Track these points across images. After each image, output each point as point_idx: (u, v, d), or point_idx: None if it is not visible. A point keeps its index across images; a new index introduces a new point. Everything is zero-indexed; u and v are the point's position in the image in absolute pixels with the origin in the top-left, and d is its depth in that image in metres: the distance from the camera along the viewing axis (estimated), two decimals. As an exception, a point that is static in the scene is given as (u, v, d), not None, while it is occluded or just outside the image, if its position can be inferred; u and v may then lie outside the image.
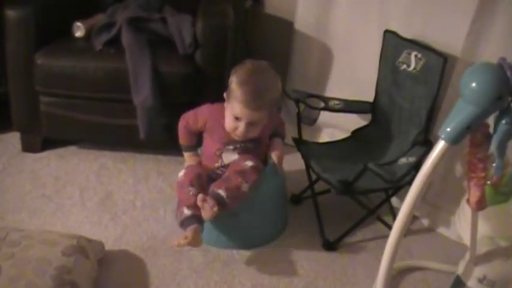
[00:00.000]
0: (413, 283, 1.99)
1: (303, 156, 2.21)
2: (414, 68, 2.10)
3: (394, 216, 2.24)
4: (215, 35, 2.30)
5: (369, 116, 2.38)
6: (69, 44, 2.42)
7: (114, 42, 2.37)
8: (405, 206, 1.33)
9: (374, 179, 2.01)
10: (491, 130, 1.26)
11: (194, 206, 1.91)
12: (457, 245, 2.16)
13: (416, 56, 2.09)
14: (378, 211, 2.22)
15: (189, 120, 2.09)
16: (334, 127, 2.58)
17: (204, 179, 2.01)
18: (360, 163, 2.06)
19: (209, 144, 2.09)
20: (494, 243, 1.46)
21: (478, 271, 1.44)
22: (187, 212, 1.94)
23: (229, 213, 1.95)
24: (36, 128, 2.48)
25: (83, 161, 2.54)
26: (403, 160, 2.01)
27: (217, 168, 2.08)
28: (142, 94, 2.27)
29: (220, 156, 2.06)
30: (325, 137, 2.63)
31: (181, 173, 2.04)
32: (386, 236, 2.12)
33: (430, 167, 1.22)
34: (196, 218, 1.92)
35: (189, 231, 1.88)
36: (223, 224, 2.05)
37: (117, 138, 2.53)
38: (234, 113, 1.91)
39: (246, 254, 2.08)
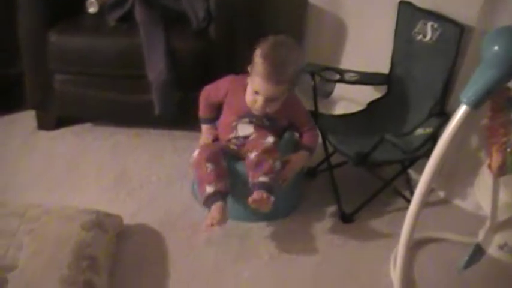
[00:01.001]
0: (429, 254, 1.98)
1: (320, 129, 2.20)
2: (430, 38, 2.07)
3: (411, 188, 2.27)
4: (229, 9, 2.29)
5: (383, 89, 2.37)
6: (82, 20, 2.42)
7: (128, 18, 2.36)
8: (426, 174, 1.32)
9: (390, 150, 2.01)
10: (512, 94, 1.24)
11: (215, 182, 1.93)
12: (473, 216, 2.16)
13: (432, 26, 2.06)
14: (395, 183, 2.22)
15: (210, 92, 2.11)
16: (349, 100, 2.56)
17: (219, 156, 2.01)
18: (376, 135, 2.06)
19: (227, 115, 2.10)
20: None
21: (499, 238, 1.44)
22: (209, 189, 1.94)
23: (246, 187, 1.95)
24: (51, 106, 2.48)
25: (98, 139, 2.54)
26: (419, 131, 2.00)
27: (231, 139, 2.08)
28: (156, 69, 2.27)
29: (235, 128, 2.07)
30: (339, 110, 2.61)
31: (195, 153, 2.04)
32: (402, 208, 2.20)
33: (451, 132, 1.21)
34: (219, 195, 1.93)
35: (214, 211, 1.89)
36: (241, 197, 2.04)
37: (132, 115, 2.52)
38: (254, 87, 1.93)
39: (263, 226, 2.09)
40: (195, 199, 2.16)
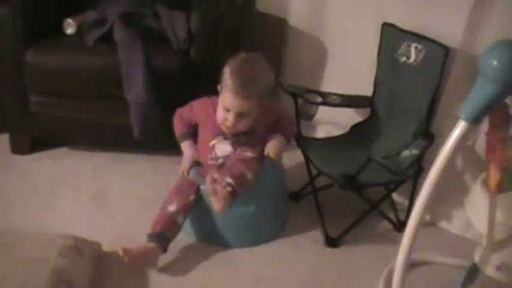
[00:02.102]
0: (420, 277, 1.94)
1: (303, 151, 2.17)
2: (414, 60, 2.07)
3: (396, 211, 2.24)
4: (210, 29, 2.27)
5: (366, 112, 2.35)
6: (60, 41, 2.35)
7: (107, 38, 2.30)
8: (424, 193, 1.28)
9: (376, 172, 1.98)
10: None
11: (163, 220, 1.91)
12: (460, 239, 2.15)
13: (416, 47, 2.06)
14: (379, 206, 2.19)
15: (183, 113, 2.12)
16: (331, 123, 2.53)
17: (189, 192, 1.97)
18: (361, 157, 2.03)
19: (203, 135, 2.09)
20: (509, 229, 1.43)
21: (495, 258, 1.41)
22: (155, 228, 1.91)
23: (229, 210, 1.88)
24: (26, 129, 2.41)
25: (75, 162, 2.47)
26: (406, 153, 1.99)
27: (211, 159, 2.05)
28: (135, 89, 2.21)
29: (213, 148, 2.04)
30: (322, 133, 2.59)
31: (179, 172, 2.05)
32: (388, 231, 2.18)
33: (450, 149, 1.18)
34: (158, 237, 1.89)
35: (147, 246, 1.87)
36: (224, 221, 2.00)
37: (110, 137, 2.46)
38: (224, 103, 1.93)
39: (247, 251, 2.03)
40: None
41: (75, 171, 2.41)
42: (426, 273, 1.97)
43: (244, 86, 1.88)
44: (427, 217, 2.27)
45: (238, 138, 2.02)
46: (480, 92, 1.14)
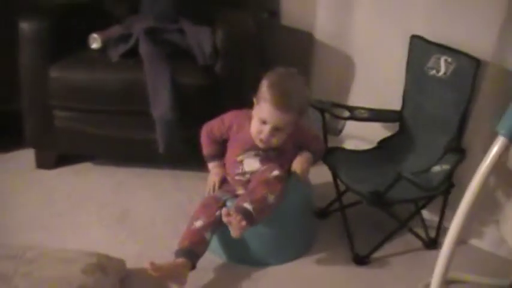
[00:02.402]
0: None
1: (330, 167, 2.13)
2: (444, 73, 2.02)
3: (426, 228, 2.17)
4: (236, 44, 2.25)
5: (393, 126, 2.31)
6: (85, 56, 2.36)
7: (132, 53, 2.30)
8: (462, 209, 1.25)
9: (406, 189, 1.93)
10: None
11: (190, 236, 1.87)
12: (491, 256, 2.09)
13: (446, 60, 2.01)
14: (409, 224, 2.13)
15: (213, 128, 2.05)
16: (358, 138, 2.49)
17: (213, 207, 1.93)
18: (390, 173, 1.99)
19: (232, 150, 2.04)
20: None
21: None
22: (182, 244, 1.86)
23: (254, 228, 1.84)
24: (51, 144, 2.41)
25: (99, 177, 2.46)
26: (436, 168, 1.92)
27: (238, 174, 2.01)
28: (161, 107, 2.20)
29: (241, 163, 2.00)
30: (349, 147, 2.55)
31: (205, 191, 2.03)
32: (417, 249, 2.11)
33: (489, 165, 1.14)
34: (187, 253, 1.84)
35: (176, 262, 1.81)
36: (248, 239, 1.95)
37: (134, 153, 2.45)
38: (261, 115, 1.89)
39: (274, 269, 1.98)
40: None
41: (99, 187, 2.40)
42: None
43: (285, 99, 1.86)
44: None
45: (268, 154, 1.98)
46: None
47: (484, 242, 2.14)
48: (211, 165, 2.10)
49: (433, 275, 1.39)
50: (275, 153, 1.98)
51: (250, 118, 1.95)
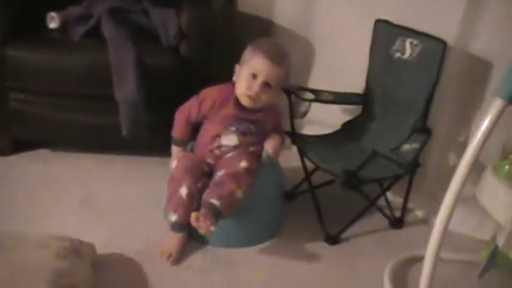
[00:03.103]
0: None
1: (299, 148, 2.14)
2: (410, 55, 2.08)
3: (391, 209, 2.23)
4: (202, 25, 2.20)
5: (356, 110, 2.35)
6: (43, 35, 2.25)
7: (93, 34, 2.22)
8: (459, 173, 1.30)
9: (376, 168, 1.98)
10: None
11: (180, 211, 1.87)
12: (455, 235, 2.13)
13: (411, 43, 2.07)
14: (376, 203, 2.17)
15: (191, 109, 1.97)
16: (322, 123, 2.50)
17: (197, 171, 1.91)
18: (358, 153, 2.03)
19: (210, 128, 1.99)
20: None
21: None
22: (172, 217, 1.89)
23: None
24: (5, 128, 2.28)
25: (56, 164, 2.36)
26: (406, 147, 1.98)
27: (213, 150, 1.98)
28: (126, 88, 2.13)
29: (219, 137, 1.97)
30: (309, 132, 2.56)
31: (173, 165, 1.96)
32: (383, 229, 2.17)
33: (487, 127, 1.18)
34: (180, 226, 1.89)
35: (171, 244, 1.88)
36: (224, 223, 1.93)
37: (94, 138, 2.36)
38: (251, 69, 1.87)
39: (246, 251, 1.97)
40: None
41: (57, 173, 2.29)
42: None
43: (277, 51, 1.90)
44: (420, 214, 2.28)
45: (249, 127, 1.97)
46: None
47: (447, 221, 2.22)
48: (176, 149, 2.04)
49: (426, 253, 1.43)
50: (255, 127, 1.97)
51: (233, 91, 1.93)
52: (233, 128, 1.95)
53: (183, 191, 1.87)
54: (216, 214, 1.78)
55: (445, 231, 1.39)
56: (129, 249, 1.90)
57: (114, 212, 2.09)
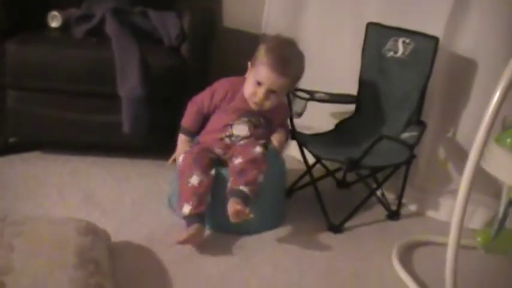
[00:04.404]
0: (424, 256, 2.00)
1: (300, 143, 2.20)
2: (403, 53, 2.21)
3: (387, 202, 2.30)
4: (203, 27, 2.29)
5: (348, 112, 2.45)
6: (45, 32, 2.26)
7: (95, 32, 2.25)
8: (478, 139, 1.30)
9: (376, 157, 2.06)
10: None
11: (193, 201, 1.86)
12: (448, 225, 2.21)
13: (404, 41, 2.20)
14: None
15: (203, 100, 2.04)
16: (313, 127, 2.57)
17: (205, 160, 1.93)
18: (356, 147, 2.11)
19: (220, 117, 2.03)
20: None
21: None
22: (186, 210, 1.88)
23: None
24: (3, 128, 2.24)
25: (51, 164, 2.31)
26: (405, 134, 2.08)
27: (223, 138, 2.01)
28: (130, 84, 2.15)
29: (231, 127, 2.01)
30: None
31: (180, 158, 1.98)
32: (381, 220, 2.25)
33: (506, 82, 1.23)
34: (196, 217, 1.87)
35: (190, 234, 1.84)
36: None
37: (93, 138, 2.33)
38: (257, 77, 1.92)
39: (255, 238, 1.99)
40: (176, 215, 2.01)
41: (53, 173, 2.25)
42: (427, 252, 2.03)
43: (281, 63, 1.90)
44: (414, 208, 2.36)
45: (259, 120, 2.02)
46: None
47: (439, 213, 2.30)
48: (182, 138, 2.07)
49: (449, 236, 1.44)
50: (265, 121, 2.03)
51: (243, 85, 1.99)
52: (246, 119, 2.01)
53: (195, 180, 1.88)
54: (246, 200, 1.83)
55: (465, 211, 1.40)
56: (139, 238, 1.88)
57: (118, 207, 2.07)
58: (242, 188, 1.86)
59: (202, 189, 1.88)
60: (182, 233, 1.83)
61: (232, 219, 1.82)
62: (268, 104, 1.96)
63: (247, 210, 1.80)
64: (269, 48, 1.93)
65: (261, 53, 1.93)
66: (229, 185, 1.90)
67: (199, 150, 1.98)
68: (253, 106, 1.98)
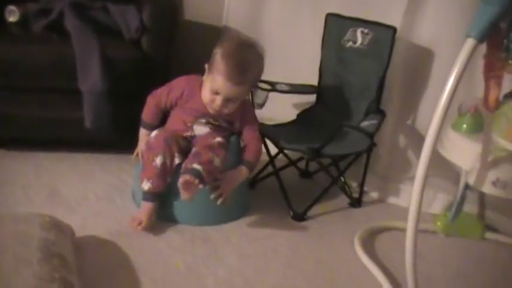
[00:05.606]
0: (386, 242, 2.07)
1: (262, 134, 2.22)
2: (361, 43, 2.25)
3: (349, 190, 2.35)
4: (164, 20, 2.27)
5: (309, 102, 2.49)
6: (2, 28, 2.22)
7: (55, 27, 2.22)
8: (435, 119, 1.32)
9: (337, 146, 2.11)
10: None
11: (153, 179, 1.91)
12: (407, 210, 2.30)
13: (362, 31, 2.25)
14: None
15: (161, 95, 2.02)
16: (274, 118, 2.60)
17: (175, 144, 1.94)
18: (317, 136, 2.14)
19: (180, 116, 2.02)
20: (502, 150, 1.59)
21: (491, 176, 1.56)
22: (145, 186, 1.92)
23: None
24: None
25: (15, 162, 2.27)
26: (365, 123, 2.12)
27: (186, 137, 2.01)
28: (91, 78, 2.13)
29: (191, 128, 2.01)
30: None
31: (153, 134, 1.98)
32: (343, 208, 2.30)
33: (461, 65, 1.28)
34: (152, 195, 1.93)
35: (142, 212, 1.91)
36: (193, 201, 1.96)
37: (56, 134, 2.31)
38: (213, 86, 1.88)
39: (219, 229, 2.02)
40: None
41: (17, 171, 2.22)
42: (389, 238, 2.09)
43: (238, 72, 1.83)
44: (376, 195, 2.42)
45: (219, 121, 2.00)
46: (484, 14, 1.28)
47: (400, 199, 2.37)
48: (144, 133, 2.06)
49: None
50: (225, 123, 2.02)
51: (201, 85, 1.96)
52: (203, 120, 2.00)
53: (158, 161, 1.90)
54: (199, 177, 1.82)
55: (422, 194, 1.43)
56: (104, 232, 1.88)
57: (83, 203, 2.06)
58: (195, 165, 1.85)
59: (163, 171, 1.91)
60: (135, 219, 1.91)
61: (183, 195, 1.84)
62: (226, 111, 1.94)
63: (196, 181, 1.80)
64: (225, 54, 1.84)
65: (217, 59, 1.85)
66: (182, 166, 1.90)
67: (172, 134, 1.97)
68: (212, 112, 1.96)
